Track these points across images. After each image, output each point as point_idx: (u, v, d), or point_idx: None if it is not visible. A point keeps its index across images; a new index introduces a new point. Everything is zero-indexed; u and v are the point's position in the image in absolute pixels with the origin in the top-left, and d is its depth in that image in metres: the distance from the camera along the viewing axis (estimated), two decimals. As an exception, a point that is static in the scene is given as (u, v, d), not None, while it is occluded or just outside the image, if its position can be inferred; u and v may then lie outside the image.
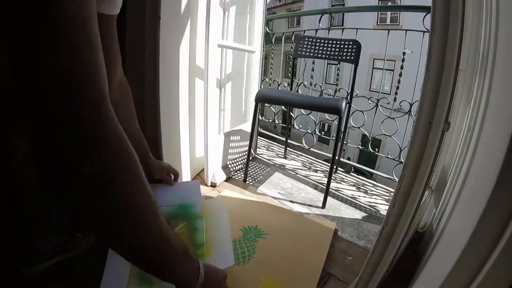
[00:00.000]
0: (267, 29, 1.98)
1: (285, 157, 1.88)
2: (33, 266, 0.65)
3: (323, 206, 1.29)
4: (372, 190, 1.53)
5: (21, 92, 0.31)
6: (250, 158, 1.67)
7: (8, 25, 0.28)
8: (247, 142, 1.57)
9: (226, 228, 0.83)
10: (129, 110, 0.85)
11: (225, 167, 1.51)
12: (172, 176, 0.95)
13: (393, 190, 1.25)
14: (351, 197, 1.42)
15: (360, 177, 1.68)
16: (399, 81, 1.66)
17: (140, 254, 0.42)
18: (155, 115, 1.24)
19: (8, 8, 0.28)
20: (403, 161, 1.38)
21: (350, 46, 1.51)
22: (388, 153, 1.69)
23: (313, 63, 1.94)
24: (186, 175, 1.46)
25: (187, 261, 0.48)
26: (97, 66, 0.33)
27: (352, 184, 1.59)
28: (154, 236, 0.41)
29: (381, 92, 1.97)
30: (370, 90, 8.72)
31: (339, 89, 1.95)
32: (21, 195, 0.59)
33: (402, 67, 1.63)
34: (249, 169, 1.61)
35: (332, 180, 1.45)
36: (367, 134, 1.83)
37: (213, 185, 1.39)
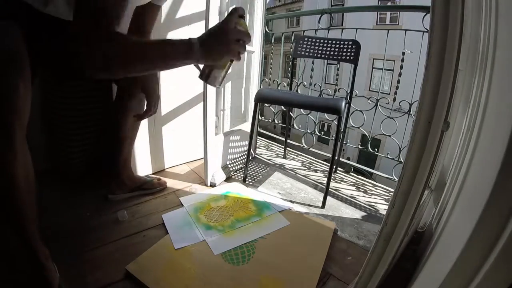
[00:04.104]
0: (267, 29, 1.98)
1: (284, 157, 1.88)
2: (118, 194, 1.19)
3: (323, 206, 1.29)
4: (371, 190, 1.53)
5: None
6: (250, 158, 1.67)
7: None
8: (247, 142, 1.57)
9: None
10: None
11: (224, 167, 1.51)
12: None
13: (392, 190, 1.25)
14: (350, 197, 1.42)
15: (359, 177, 1.68)
16: (398, 81, 1.66)
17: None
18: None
19: None
20: (402, 161, 1.38)
21: (350, 46, 1.52)
22: (388, 153, 1.69)
23: (313, 63, 1.94)
24: (184, 175, 1.46)
25: (177, 43, 0.64)
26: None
27: (352, 184, 1.59)
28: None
29: (381, 92, 1.97)
30: (369, 90, 8.73)
31: (338, 89, 1.95)
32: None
33: (401, 67, 1.63)
34: (248, 169, 1.61)
35: (331, 180, 1.45)
36: (367, 134, 1.84)
37: (213, 185, 1.39)
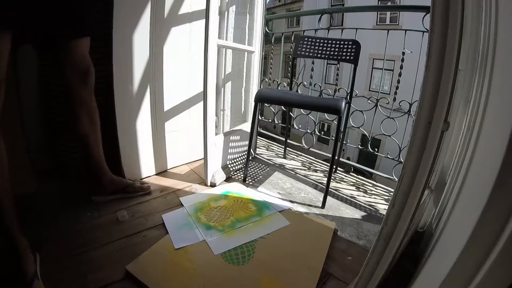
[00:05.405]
0: (267, 29, 1.98)
1: (284, 157, 1.88)
2: (101, 196, 1.19)
3: (323, 206, 1.29)
4: (371, 190, 1.53)
5: None
6: (250, 158, 1.67)
7: None
8: (247, 142, 1.57)
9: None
10: None
11: (224, 167, 1.51)
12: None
13: (392, 190, 1.25)
14: (350, 197, 1.42)
15: (359, 177, 1.68)
16: (398, 81, 1.66)
17: None
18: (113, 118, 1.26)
19: None
20: (402, 160, 1.38)
21: (350, 46, 1.52)
22: (388, 153, 1.69)
23: (313, 63, 1.94)
24: (184, 175, 1.46)
25: None
26: None
27: (352, 184, 1.59)
28: None
29: (381, 92, 1.97)
30: (369, 90, 8.73)
31: (338, 89, 1.95)
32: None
33: (401, 67, 1.63)
34: (248, 169, 1.61)
35: (331, 180, 1.45)
36: (367, 134, 1.84)
37: (213, 185, 1.39)
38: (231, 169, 1.55)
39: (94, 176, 1.18)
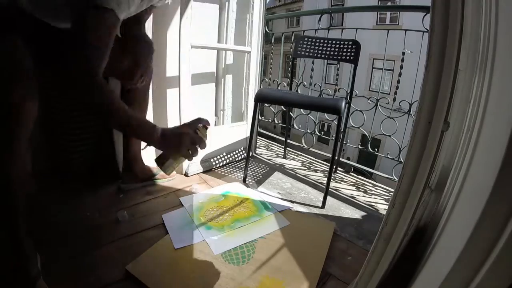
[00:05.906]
0: (267, 29, 1.98)
1: (284, 157, 1.88)
2: (130, 184, 1.28)
3: (323, 206, 1.29)
4: (371, 190, 1.53)
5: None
6: (250, 158, 1.67)
7: None
8: (247, 142, 1.57)
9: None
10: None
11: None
12: None
13: (392, 190, 1.25)
14: (350, 197, 1.42)
15: (359, 177, 1.68)
16: (398, 81, 1.66)
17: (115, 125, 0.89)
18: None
19: None
20: (402, 161, 1.38)
21: (350, 46, 1.52)
22: (388, 153, 1.69)
23: (313, 63, 1.94)
24: (184, 176, 1.46)
25: (145, 124, 0.77)
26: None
27: (352, 184, 1.59)
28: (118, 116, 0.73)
29: (381, 92, 1.97)
30: (369, 90, 8.74)
31: (338, 89, 1.95)
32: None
33: (401, 67, 1.64)
34: (248, 169, 1.61)
35: (331, 180, 1.45)
36: (367, 134, 1.84)
37: (186, 175, 1.40)
38: (230, 168, 1.55)
39: (127, 165, 1.28)
